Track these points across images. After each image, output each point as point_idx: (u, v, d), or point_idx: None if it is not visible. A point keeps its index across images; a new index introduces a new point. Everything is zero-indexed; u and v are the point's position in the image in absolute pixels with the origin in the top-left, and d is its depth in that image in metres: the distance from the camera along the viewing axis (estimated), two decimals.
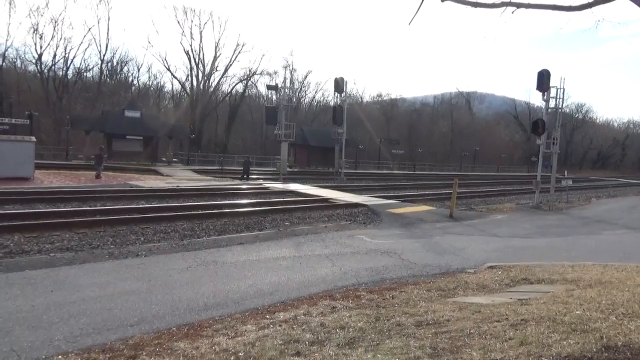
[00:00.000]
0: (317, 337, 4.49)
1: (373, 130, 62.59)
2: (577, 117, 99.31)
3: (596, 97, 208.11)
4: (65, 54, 52.27)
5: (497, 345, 3.80)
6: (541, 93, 23.23)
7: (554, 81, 22.98)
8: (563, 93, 23.22)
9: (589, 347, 3.54)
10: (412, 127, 77.84)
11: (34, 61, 51.36)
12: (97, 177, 23.64)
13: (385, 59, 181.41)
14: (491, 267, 9.00)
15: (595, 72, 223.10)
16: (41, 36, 50.41)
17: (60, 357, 4.45)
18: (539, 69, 23.05)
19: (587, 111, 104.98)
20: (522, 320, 4.56)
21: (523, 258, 10.25)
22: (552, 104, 23.22)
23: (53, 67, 51.78)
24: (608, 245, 12.95)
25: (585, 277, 7.33)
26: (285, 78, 62.87)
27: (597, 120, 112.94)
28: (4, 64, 48.98)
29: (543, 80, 22.77)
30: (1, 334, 4.99)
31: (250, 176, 29.27)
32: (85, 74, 56.23)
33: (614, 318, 4.40)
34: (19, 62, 52.23)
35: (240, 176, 29.25)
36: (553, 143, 23.42)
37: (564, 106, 24.17)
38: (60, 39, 57.02)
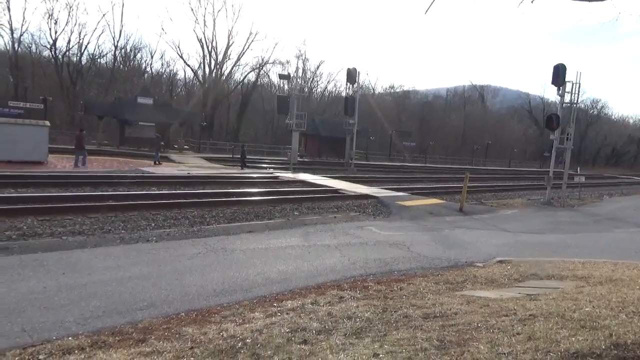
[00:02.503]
0: (324, 326, 4.51)
1: (384, 122, 62.27)
2: (592, 112, 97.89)
3: (612, 92, 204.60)
4: (80, 39, 52.61)
5: (505, 340, 3.79)
6: (556, 87, 22.87)
7: (569, 76, 22.63)
8: (579, 88, 22.84)
9: (598, 344, 3.51)
10: (424, 119, 77.31)
11: (48, 46, 51.77)
12: (155, 164, 25.53)
13: (398, 50, 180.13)
14: (500, 262, 8.96)
15: (612, 68, 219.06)
16: (56, 21, 50.92)
17: (70, 338, 4.52)
18: (555, 63, 22.72)
19: (602, 107, 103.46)
20: (530, 315, 4.54)
21: (533, 253, 10.19)
22: (567, 98, 22.87)
23: (67, 53, 52.11)
24: (619, 243, 12.82)
25: (596, 274, 7.26)
26: (297, 68, 62.94)
27: (613, 117, 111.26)
28: (19, 49, 49.40)
29: (558, 74, 22.43)
30: (14, 315, 5.08)
31: (247, 165, 28.88)
32: (99, 60, 56.58)
33: (624, 316, 4.36)
34: (34, 47, 52.67)
35: (240, 165, 29.20)
36: (567, 139, 23.10)
37: (579, 101, 23.73)
38: (75, 24, 57.24)
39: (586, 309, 4.65)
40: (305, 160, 39.68)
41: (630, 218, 19.18)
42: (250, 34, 77.02)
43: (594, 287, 6.15)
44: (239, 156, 30.43)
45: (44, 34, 79.80)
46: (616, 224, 17.27)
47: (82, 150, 21.77)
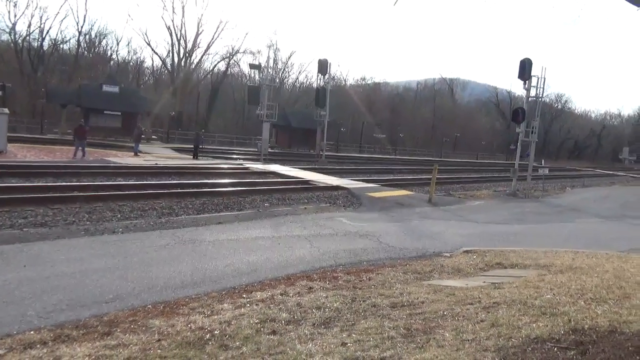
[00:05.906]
0: (294, 317, 4.53)
1: (355, 114, 62.52)
2: (557, 107, 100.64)
3: (575, 88, 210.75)
4: (41, 24, 50.64)
5: (469, 327, 3.89)
6: (522, 82, 23.46)
7: (535, 70, 23.24)
8: (544, 83, 23.49)
9: (557, 330, 3.65)
10: (394, 111, 77.90)
11: (7, 30, 49.58)
12: (135, 155, 25.26)
13: (370, 42, 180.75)
14: (467, 252, 9.16)
15: (575, 64, 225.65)
16: (15, 4, 48.67)
17: (32, 332, 4.39)
18: (521, 58, 23.27)
19: (566, 101, 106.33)
20: (494, 303, 4.67)
21: (498, 243, 10.46)
22: (532, 93, 23.49)
23: (28, 38, 50.12)
24: (580, 232, 13.30)
25: (557, 263, 7.52)
26: (268, 58, 62.11)
27: (576, 111, 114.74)
28: None
29: (525, 68, 22.96)
30: None
31: (199, 155, 27.41)
32: (61, 45, 54.53)
33: (582, 302, 4.54)
34: None
35: (193, 154, 27.52)
36: (532, 132, 23.75)
37: (544, 96, 24.49)
38: (36, 7, 55.32)
39: (547, 297, 4.82)
40: (276, 151, 39.46)
41: (591, 209, 19.91)
42: (220, 22, 76.33)
43: (555, 276, 6.37)
44: (192, 145, 28.39)
45: (2, 17, 76.12)
46: (577, 214, 17.90)
47: (83, 141, 22.35)
